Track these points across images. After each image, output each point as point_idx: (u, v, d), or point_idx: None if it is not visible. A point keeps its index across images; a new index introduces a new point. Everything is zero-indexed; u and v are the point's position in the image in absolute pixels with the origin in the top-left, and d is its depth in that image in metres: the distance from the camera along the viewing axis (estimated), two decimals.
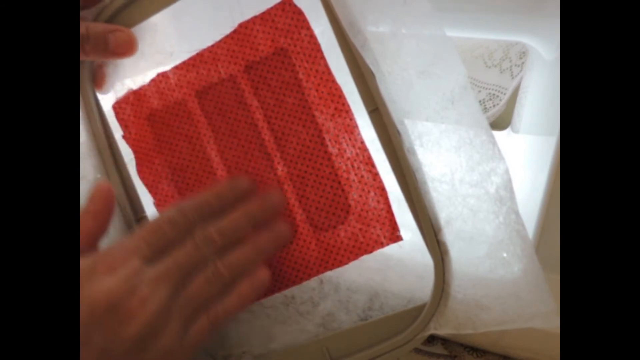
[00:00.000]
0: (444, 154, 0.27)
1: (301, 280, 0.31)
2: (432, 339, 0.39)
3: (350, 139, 0.29)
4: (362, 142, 0.29)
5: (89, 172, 0.34)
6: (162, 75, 0.33)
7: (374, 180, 0.29)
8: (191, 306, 0.26)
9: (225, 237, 0.28)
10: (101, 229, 0.29)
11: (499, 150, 0.26)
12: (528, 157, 0.39)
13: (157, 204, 0.34)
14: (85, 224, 0.28)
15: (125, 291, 0.25)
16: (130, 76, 0.33)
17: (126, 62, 0.34)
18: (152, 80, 0.33)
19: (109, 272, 0.25)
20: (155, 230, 0.27)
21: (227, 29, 0.31)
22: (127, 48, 0.32)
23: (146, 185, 0.34)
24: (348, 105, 0.29)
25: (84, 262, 0.25)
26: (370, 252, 0.30)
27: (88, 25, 0.30)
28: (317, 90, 0.29)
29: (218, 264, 0.27)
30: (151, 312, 0.25)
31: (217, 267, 0.27)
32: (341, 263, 0.30)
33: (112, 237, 0.34)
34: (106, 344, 0.24)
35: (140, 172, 0.34)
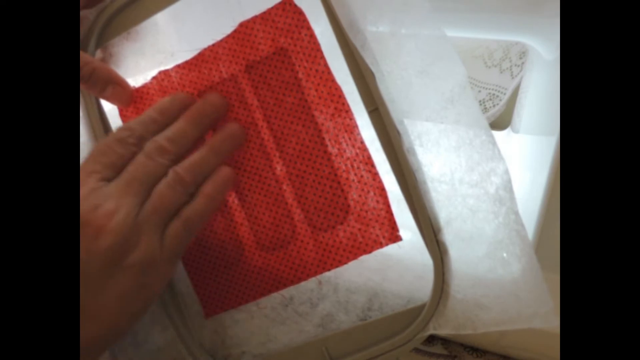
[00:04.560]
0: (443, 154, 0.27)
1: (299, 280, 0.31)
2: (432, 339, 0.39)
3: (350, 139, 0.29)
4: (362, 142, 0.29)
5: None
6: (164, 74, 0.33)
7: (374, 180, 0.29)
8: (159, 213, 0.27)
9: (175, 144, 0.28)
10: None
11: (498, 151, 0.26)
12: (528, 157, 0.39)
13: None
14: None
15: (89, 208, 0.25)
16: (132, 76, 0.34)
17: (127, 62, 0.34)
18: (154, 78, 0.33)
19: None
20: (105, 150, 0.27)
21: (228, 29, 0.31)
22: (119, 102, 0.33)
23: None
24: (348, 105, 0.29)
25: None
26: (370, 252, 0.30)
27: (95, 67, 0.31)
28: (317, 90, 0.29)
29: (176, 168, 0.28)
30: (120, 222, 0.25)
31: (175, 172, 0.27)
32: (340, 263, 0.30)
33: None
34: (82, 260, 0.24)
35: None
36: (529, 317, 0.26)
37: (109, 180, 0.26)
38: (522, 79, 0.44)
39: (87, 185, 0.26)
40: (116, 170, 0.27)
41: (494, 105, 0.52)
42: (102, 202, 0.25)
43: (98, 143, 0.28)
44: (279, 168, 0.31)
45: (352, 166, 0.29)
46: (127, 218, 0.25)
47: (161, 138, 0.28)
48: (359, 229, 0.30)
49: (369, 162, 0.29)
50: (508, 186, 0.26)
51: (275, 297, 0.33)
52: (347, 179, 0.30)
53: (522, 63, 0.50)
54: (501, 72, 0.52)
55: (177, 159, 0.28)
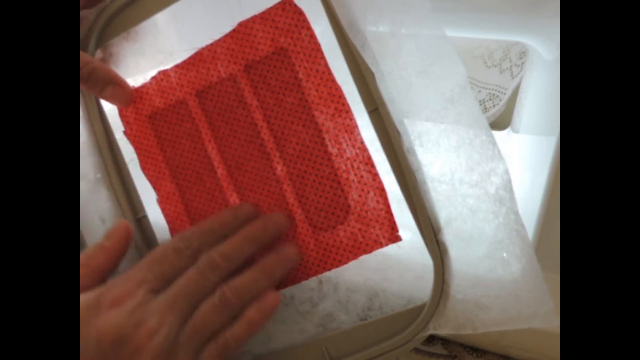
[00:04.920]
0: (443, 153, 0.27)
1: (300, 280, 0.31)
2: (432, 339, 0.39)
3: (350, 139, 0.29)
4: (362, 142, 0.29)
5: (89, 172, 0.34)
6: (163, 74, 0.33)
7: (374, 180, 0.29)
8: (199, 335, 0.26)
9: (229, 261, 0.28)
10: (112, 265, 0.29)
11: (498, 151, 0.26)
12: (528, 157, 0.39)
13: (160, 201, 0.34)
14: (97, 259, 0.28)
15: (132, 324, 0.25)
16: (131, 76, 0.34)
17: (127, 62, 0.34)
18: (154, 78, 0.33)
19: (115, 305, 0.25)
20: (160, 259, 0.27)
21: (228, 29, 0.31)
22: (119, 102, 0.33)
23: (150, 181, 0.34)
24: (348, 105, 0.29)
25: (90, 296, 0.25)
26: (370, 252, 0.30)
27: (95, 68, 0.31)
28: (317, 90, 0.29)
29: (224, 289, 0.27)
30: (159, 344, 0.25)
31: (223, 293, 0.27)
32: (340, 263, 0.30)
33: None
34: None
35: (144, 168, 0.34)
36: (529, 317, 0.26)
37: (157, 291, 0.26)
38: (522, 79, 0.44)
39: (136, 298, 0.25)
40: (166, 281, 0.27)
41: (494, 105, 0.52)
42: (146, 319, 0.25)
43: (156, 249, 0.28)
44: (280, 168, 0.31)
45: (352, 166, 0.29)
46: (166, 340, 0.25)
47: (216, 253, 0.27)
48: (359, 229, 0.30)
49: (369, 162, 0.29)
50: (508, 186, 0.26)
51: None
52: (347, 179, 0.30)
53: (522, 63, 0.50)
54: (501, 72, 0.52)
55: (228, 275, 0.28)
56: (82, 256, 0.28)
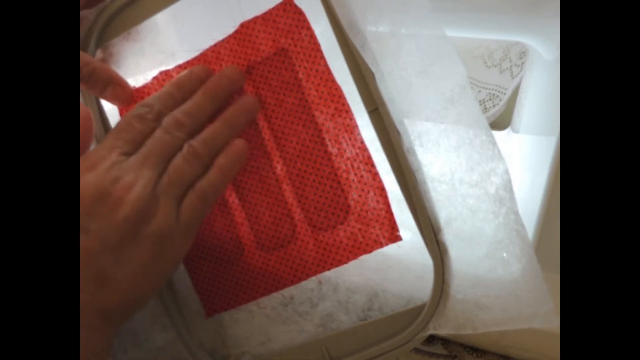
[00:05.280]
0: (443, 154, 0.27)
1: (299, 280, 0.31)
2: (432, 339, 0.40)
3: (350, 139, 0.29)
4: (362, 142, 0.29)
5: None
6: (165, 74, 0.33)
7: (374, 180, 0.29)
8: (175, 185, 0.27)
9: (192, 118, 0.29)
10: (83, 145, 0.30)
11: (498, 151, 0.26)
12: (528, 157, 0.39)
13: None
14: None
15: (109, 180, 0.26)
16: (132, 76, 0.34)
17: (127, 62, 0.34)
18: (155, 78, 0.33)
19: (90, 169, 0.27)
20: (125, 127, 0.28)
21: (228, 29, 0.31)
22: (119, 102, 0.33)
23: None
24: (348, 105, 0.29)
25: None
26: (370, 252, 0.30)
27: (95, 68, 0.31)
28: (317, 90, 0.29)
29: (192, 142, 0.28)
30: (138, 195, 0.26)
31: (191, 145, 0.28)
32: (340, 263, 0.30)
33: None
34: (102, 230, 0.25)
35: None
36: (529, 317, 0.26)
37: (129, 154, 0.27)
38: (522, 79, 0.44)
39: (109, 159, 0.27)
40: (136, 145, 0.28)
41: (494, 105, 0.52)
42: (122, 175, 0.26)
43: (119, 121, 0.29)
44: (279, 168, 0.31)
45: (352, 166, 0.29)
46: (145, 189, 0.26)
47: (178, 112, 0.29)
48: (359, 229, 0.30)
49: (369, 162, 0.29)
50: (508, 186, 0.26)
51: (276, 297, 0.33)
52: (347, 178, 0.30)
53: (522, 63, 0.50)
54: (501, 72, 0.52)
55: (194, 132, 0.29)
56: None
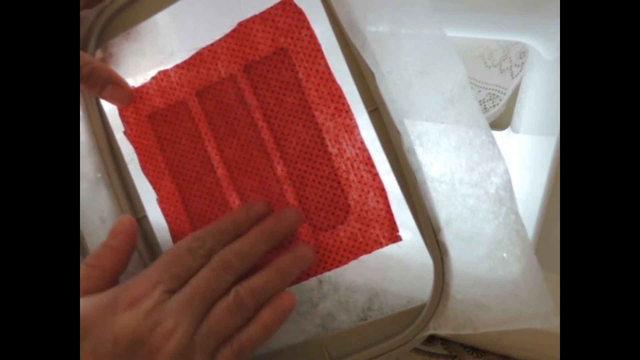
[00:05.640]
0: (443, 154, 0.27)
1: (300, 280, 0.31)
2: (432, 339, 0.39)
3: (350, 139, 0.29)
4: (362, 142, 0.29)
5: (90, 172, 0.34)
6: (164, 74, 0.33)
7: (374, 180, 0.29)
8: (214, 337, 0.26)
9: (243, 260, 0.27)
10: (122, 264, 0.29)
11: (498, 151, 0.26)
12: (528, 157, 0.39)
13: (160, 201, 0.34)
14: (106, 259, 0.28)
15: (149, 325, 0.25)
16: (131, 76, 0.34)
17: (127, 62, 0.34)
18: (154, 78, 0.33)
19: (131, 307, 0.25)
20: (174, 260, 0.27)
21: (228, 29, 0.31)
22: (118, 102, 0.33)
23: (150, 181, 0.34)
24: (348, 105, 0.29)
25: (106, 296, 0.26)
26: (370, 252, 0.30)
27: (95, 67, 0.31)
28: (317, 90, 0.29)
29: (239, 289, 0.27)
30: (175, 346, 0.25)
31: (238, 293, 0.27)
32: (340, 263, 0.30)
33: None
34: None
35: (143, 168, 0.34)
36: (529, 317, 0.26)
37: (172, 292, 0.26)
38: (522, 79, 0.44)
39: (152, 298, 0.26)
40: (181, 282, 0.27)
41: (494, 105, 0.52)
42: (162, 320, 0.25)
43: (169, 250, 0.28)
44: (280, 168, 0.31)
45: (353, 166, 0.29)
46: (182, 341, 0.25)
47: (229, 252, 0.27)
48: (359, 229, 0.30)
49: (369, 162, 0.29)
50: (508, 186, 0.26)
51: None
52: (347, 179, 0.30)
53: (522, 63, 0.50)
54: (501, 72, 0.52)
55: (242, 273, 0.28)
56: (91, 257, 0.28)
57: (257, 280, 0.27)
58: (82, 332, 0.24)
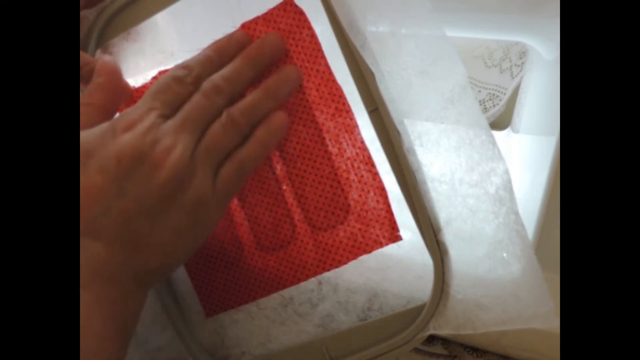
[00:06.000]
0: (443, 154, 0.27)
1: (299, 280, 0.31)
2: (432, 339, 0.39)
3: (350, 139, 0.29)
4: (362, 142, 0.29)
5: None
6: (163, 73, 0.33)
7: (374, 180, 0.29)
8: (213, 154, 0.27)
9: (232, 84, 0.28)
10: (113, 102, 0.29)
11: (498, 151, 0.26)
12: (528, 157, 0.39)
13: None
14: (96, 97, 0.29)
15: (148, 143, 0.25)
16: (132, 76, 0.34)
17: (127, 62, 0.34)
18: (154, 78, 0.33)
19: (128, 130, 0.26)
20: (163, 89, 0.27)
21: (228, 29, 0.31)
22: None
23: None
24: (348, 105, 0.29)
25: (104, 125, 0.26)
26: (370, 252, 0.30)
27: (94, 68, 0.31)
28: (317, 90, 0.29)
29: (230, 109, 0.28)
30: (177, 159, 0.25)
31: (229, 113, 0.27)
32: (340, 263, 0.30)
33: None
34: (140, 193, 0.25)
35: None
36: (529, 318, 0.26)
37: (166, 117, 0.27)
38: (522, 79, 0.44)
39: (147, 120, 0.26)
40: (174, 108, 0.27)
41: (494, 105, 0.52)
42: (161, 138, 0.26)
43: (156, 81, 0.28)
44: (279, 168, 0.31)
45: (353, 166, 0.29)
46: (183, 155, 0.26)
47: (218, 77, 0.28)
48: (359, 229, 0.30)
49: (369, 162, 0.29)
50: (508, 186, 0.26)
51: (275, 298, 0.33)
52: (347, 178, 0.30)
53: (522, 63, 0.50)
54: (501, 72, 0.52)
55: (233, 99, 0.28)
56: (82, 97, 0.29)
57: (247, 101, 0.28)
58: (85, 154, 0.25)
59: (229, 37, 0.30)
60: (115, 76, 0.30)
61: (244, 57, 0.29)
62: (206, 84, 0.28)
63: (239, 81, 0.28)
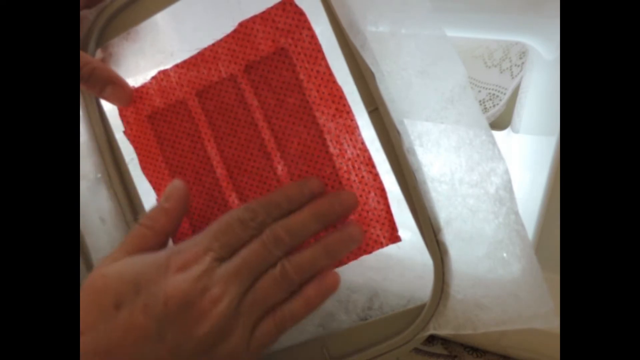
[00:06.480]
0: (443, 154, 0.27)
1: None
2: (432, 338, 0.39)
3: (351, 140, 0.29)
4: (363, 143, 0.29)
5: (90, 172, 0.34)
6: (164, 73, 0.33)
7: (374, 180, 0.29)
8: (258, 307, 0.27)
9: (293, 236, 0.28)
10: (173, 226, 0.29)
11: (498, 151, 0.26)
12: (528, 157, 0.39)
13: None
14: (160, 221, 0.29)
15: (199, 290, 0.25)
16: (132, 76, 0.34)
17: (127, 62, 0.34)
18: (154, 78, 0.33)
19: (182, 270, 0.26)
20: (225, 230, 0.27)
21: (228, 29, 0.31)
22: (118, 102, 0.33)
23: (150, 181, 0.34)
24: (349, 106, 0.29)
25: (160, 257, 0.26)
26: (370, 252, 0.30)
27: (95, 67, 0.31)
28: (317, 91, 0.29)
29: (286, 264, 0.27)
30: (222, 312, 0.25)
31: (284, 268, 0.27)
32: (340, 263, 0.30)
33: (112, 235, 0.34)
34: (178, 342, 0.25)
35: (144, 168, 0.34)
36: (529, 318, 0.26)
37: (221, 260, 0.27)
38: (522, 79, 0.44)
39: (203, 265, 0.26)
40: (231, 251, 0.27)
41: (494, 105, 0.52)
42: (211, 286, 0.26)
43: (220, 218, 0.28)
44: (280, 168, 0.31)
45: (353, 167, 0.29)
46: (229, 307, 0.25)
47: (281, 228, 0.27)
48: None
49: (369, 162, 0.29)
50: (508, 186, 0.26)
51: None
52: (348, 179, 0.30)
53: (522, 63, 0.50)
54: (501, 72, 0.52)
55: (291, 249, 0.28)
56: (145, 218, 0.29)
57: (304, 256, 0.28)
58: (135, 287, 0.25)
59: (302, 186, 0.29)
60: (183, 203, 0.29)
61: (313, 211, 0.28)
62: (268, 233, 0.27)
63: (301, 235, 0.28)
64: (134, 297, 0.25)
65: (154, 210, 0.29)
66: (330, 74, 0.29)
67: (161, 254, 0.27)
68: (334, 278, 0.28)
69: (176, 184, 0.30)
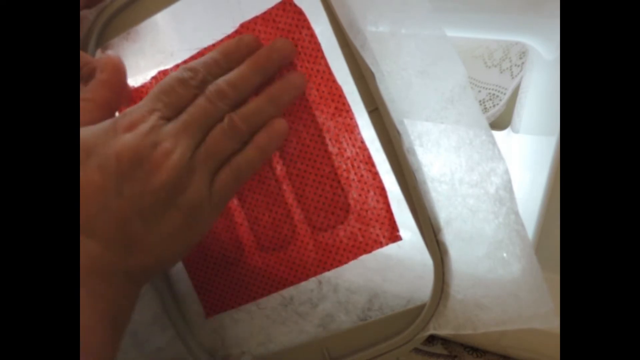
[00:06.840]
0: (443, 154, 0.27)
1: (299, 280, 0.31)
2: (432, 339, 0.39)
3: (350, 139, 0.29)
4: (362, 142, 0.29)
5: None
6: (163, 73, 0.33)
7: (374, 179, 0.29)
8: (212, 158, 0.27)
9: (237, 89, 0.28)
10: (115, 97, 0.29)
11: (498, 151, 0.26)
12: (528, 157, 0.39)
13: None
14: (98, 93, 0.29)
15: (148, 144, 0.26)
16: (131, 76, 0.34)
17: (127, 62, 0.34)
18: (154, 78, 0.33)
19: (130, 130, 0.26)
20: (167, 90, 0.28)
21: (228, 29, 0.31)
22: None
23: None
24: (348, 105, 0.29)
25: (106, 123, 0.27)
26: (370, 252, 0.30)
27: (95, 68, 0.31)
28: (317, 90, 0.29)
29: (233, 116, 0.28)
30: (175, 163, 0.26)
31: (231, 119, 0.27)
32: (340, 263, 0.30)
33: None
34: (137, 194, 0.25)
35: None
36: (529, 318, 0.26)
37: (168, 119, 0.27)
38: (522, 79, 0.44)
39: (149, 122, 0.26)
40: (176, 110, 0.27)
41: (494, 105, 0.52)
42: (161, 141, 0.26)
43: (161, 81, 0.28)
44: (279, 168, 0.31)
45: (353, 165, 0.29)
46: (182, 158, 0.26)
47: (223, 82, 0.28)
48: (359, 229, 0.30)
49: (369, 161, 0.29)
50: (508, 186, 0.26)
51: (276, 298, 0.33)
52: (347, 178, 0.30)
53: (522, 63, 0.50)
54: (501, 72, 0.52)
55: (236, 104, 0.28)
56: (84, 92, 0.29)
57: (249, 107, 0.28)
58: (85, 152, 0.25)
59: (238, 41, 0.29)
60: (119, 73, 0.30)
61: (252, 63, 0.29)
62: (211, 88, 0.28)
63: (244, 87, 0.28)
64: (86, 160, 0.25)
65: (91, 83, 0.29)
66: (330, 73, 0.29)
67: (107, 121, 0.27)
68: (282, 124, 0.29)
69: (109, 55, 0.30)
